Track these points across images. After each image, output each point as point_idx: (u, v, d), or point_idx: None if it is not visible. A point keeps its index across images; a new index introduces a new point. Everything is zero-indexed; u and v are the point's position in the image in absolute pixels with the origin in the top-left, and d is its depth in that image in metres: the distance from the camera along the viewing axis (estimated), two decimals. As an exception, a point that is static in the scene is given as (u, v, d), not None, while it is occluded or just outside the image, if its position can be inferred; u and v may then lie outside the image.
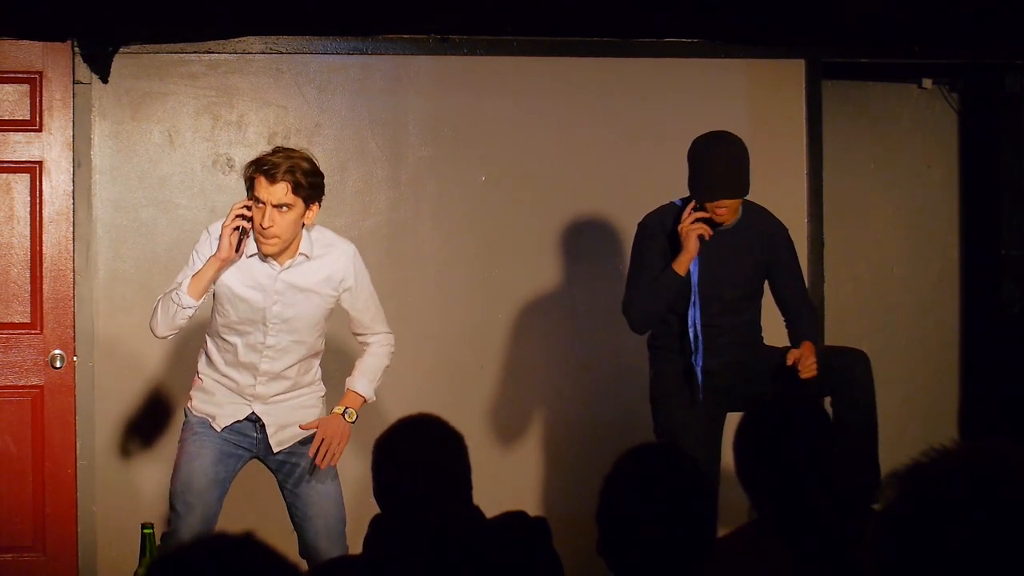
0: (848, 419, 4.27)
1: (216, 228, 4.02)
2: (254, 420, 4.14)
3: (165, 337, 4.09)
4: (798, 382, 4.21)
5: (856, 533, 2.55)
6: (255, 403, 4.13)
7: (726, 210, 4.27)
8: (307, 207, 3.97)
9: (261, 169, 3.93)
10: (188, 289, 3.95)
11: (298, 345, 4.10)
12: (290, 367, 4.11)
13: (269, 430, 4.13)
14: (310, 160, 4.00)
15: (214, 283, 4.01)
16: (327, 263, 4.08)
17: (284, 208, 3.91)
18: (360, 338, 4.26)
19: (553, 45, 5.43)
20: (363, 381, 4.17)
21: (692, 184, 4.31)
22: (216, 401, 4.13)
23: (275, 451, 4.15)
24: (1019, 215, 5.98)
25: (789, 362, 4.23)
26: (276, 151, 4.01)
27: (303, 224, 4.01)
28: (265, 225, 3.91)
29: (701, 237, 4.25)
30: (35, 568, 5.11)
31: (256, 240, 3.98)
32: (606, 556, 2.36)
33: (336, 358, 4.99)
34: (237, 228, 3.94)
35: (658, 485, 2.33)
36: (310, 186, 3.95)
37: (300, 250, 4.04)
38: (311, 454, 4.04)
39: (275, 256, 4.01)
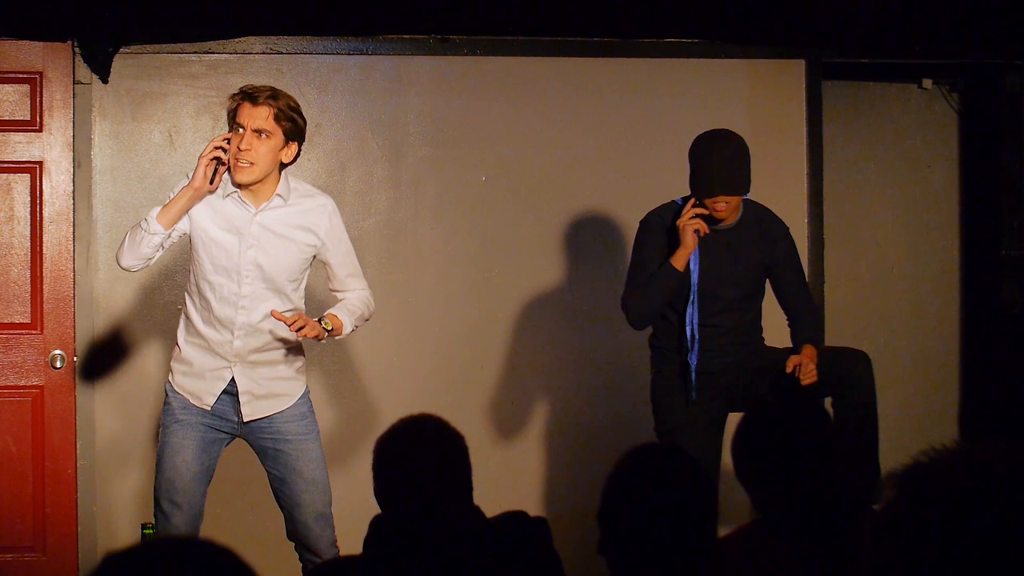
0: (849, 420, 4.27)
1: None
2: (233, 394, 4.05)
3: (130, 268, 4.01)
4: (799, 384, 4.22)
5: (856, 533, 2.56)
6: (235, 364, 4.05)
7: (725, 207, 4.28)
8: (286, 142, 3.96)
9: (245, 95, 3.95)
10: (157, 216, 3.92)
11: (273, 294, 4.03)
12: (267, 317, 4.02)
13: (242, 399, 4.04)
14: (294, 100, 4.02)
15: (185, 214, 3.96)
16: (303, 211, 4.05)
17: (263, 135, 3.92)
18: (339, 295, 4.20)
19: (553, 45, 5.44)
20: (342, 312, 4.07)
21: (692, 181, 4.32)
22: (195, 371, 4.07)
23: (245, 420, 4.07)
24: (1019, 215, 5.98)
25: (789, 369, 4.23)
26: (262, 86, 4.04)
27: (281, 163, 3.99)
28: (243, 147, 3.90)
29: (698, 232, 4.25)
30: (35, 568, 5.11)
31: (231, 168, 3.95)
32: (607, 556, 2.36)
33: (328, 356, 4.99)
34: (215, 159, 3.92)
35: (659, 485, 2.33)
36: (291, 119, 3.96)
37: (277, 191, 4.01)
38: (287, 321, 3.90)
39: (248, 187, 3.98)
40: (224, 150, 3.93)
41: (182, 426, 4.06)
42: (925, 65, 6.07)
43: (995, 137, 6.10)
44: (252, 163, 3.92)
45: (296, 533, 4.12)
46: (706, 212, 4.27)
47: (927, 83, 6.35)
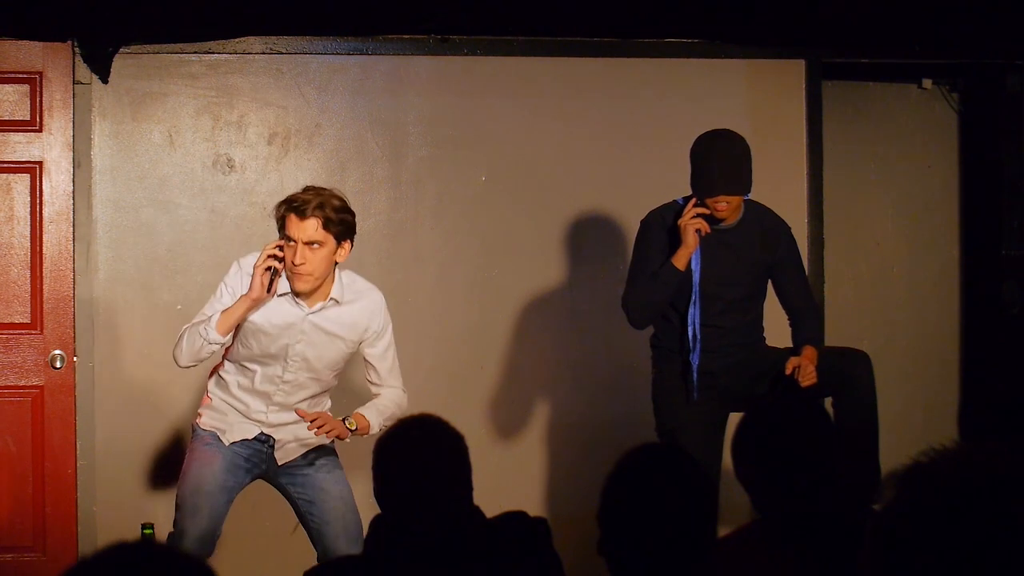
0: (849, 420, 4.27)
1: (247, 261, 4.03)
2: (264, 440, 4.16)
3: (187, 367, 4.10)
4: (799, 385, 4.22)
5: (856, 533, 2.56)
6: (263, 426, 4.16)
7: (726, 206, 4.28)
8: (339, 244, 3.98)
9: (291, 207, 3.95)
10: (217, 326, 3.94)
11: (314, 382, 4.12)
12: (303, 401, 4.13)
13: (276, 445, 4.16)
14: (341, 198, 4.01)
15: (243, 321, 4.01)
16: (355, 310, 4.10)
17: (315, 245, 3.93)
18: (374, 388, 4.24)
19: (553, 45, 5.43)
20: (371, 412, 4.14)
21: (693, 180, 4.32)
22: (227, 421, 4.16)
23: (279, 463, 4.17)
24: (1019, 215, 5.97)
25: (788, 371, 4.24)
26: (306, 189, 4.04)
27: (335, 262, 4.01)
28: (297, 262, 3.92)
29: (699, 232, 4.26)
30: (35, 568, 5.11)
31: (289, 278, 3.99)
32: (607, 556, 2.36)
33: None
34: (269, 268, 3.94)
35: (659, 485, 2.33)
36: (340, 222, 3.96)
37: (331, 295, 4.04)
38: (307, 419, 3.98)
39: (306, 296, 4.02)
40: (277, 258, 3.95)
41: (211, 447, 4.14)
42: (925, 65, 6.07)
43: (995, 137, 6.09)
44: (310, 273, 3.95)
45: (327, 554, 4.13)
46: (707, 212, 4.27)
47: (927, 83, 6.35)
